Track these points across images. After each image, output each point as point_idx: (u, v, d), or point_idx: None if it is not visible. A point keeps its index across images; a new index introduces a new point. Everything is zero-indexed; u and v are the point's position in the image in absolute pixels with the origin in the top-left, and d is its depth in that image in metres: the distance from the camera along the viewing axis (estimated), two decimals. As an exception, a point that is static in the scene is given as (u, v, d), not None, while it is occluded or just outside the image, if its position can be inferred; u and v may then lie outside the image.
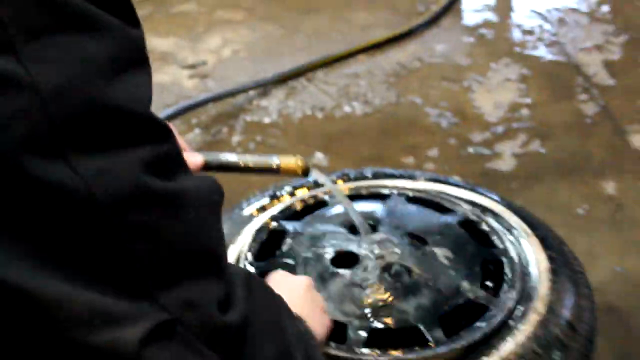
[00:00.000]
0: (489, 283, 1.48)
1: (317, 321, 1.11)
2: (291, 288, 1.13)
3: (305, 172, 1.45)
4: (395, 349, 1.31)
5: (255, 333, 0.77)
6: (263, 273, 1.46)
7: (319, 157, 2.38)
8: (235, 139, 2.48)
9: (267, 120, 2.60)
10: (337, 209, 1.64)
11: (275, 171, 1.43)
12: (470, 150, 2.40)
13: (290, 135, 2.51)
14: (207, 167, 1.35)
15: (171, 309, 0.69)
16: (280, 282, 1.16)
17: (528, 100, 2.67)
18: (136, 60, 0.71)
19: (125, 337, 0.65)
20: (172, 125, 1.31)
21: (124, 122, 0.67)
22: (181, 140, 1.35)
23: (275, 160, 1.42)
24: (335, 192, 1.57)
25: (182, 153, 0.78)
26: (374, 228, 1.56)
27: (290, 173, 1.44)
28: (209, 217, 0.76)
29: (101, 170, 0.64)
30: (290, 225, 1.60)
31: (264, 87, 2.77)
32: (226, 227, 1.62)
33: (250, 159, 1.43)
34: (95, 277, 0.66)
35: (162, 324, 0.68)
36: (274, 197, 1.73)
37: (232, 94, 2.69)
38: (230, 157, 1.41)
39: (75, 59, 0.64)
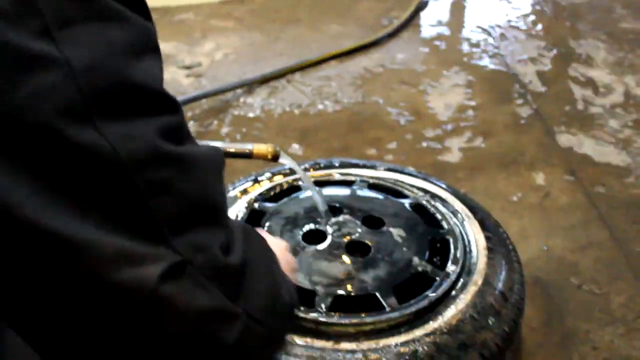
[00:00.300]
0: (436, 259, 1.48)
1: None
2: (270, 245, 1.14)
3: (275, 157, 1.44)
4: (356, 313, 1.31)
5: (251, 272, 0.80)
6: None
7: (295, 147, 2.37)
8: (224, 130, 2.46)
9: (251, 114, 2.57)
10: (309, 194, 1.63)
11: (249, 155, 1.43)
12: (424, 144, 2.39)
13: (271, 128, 2.49)
14: None
15: (183, 251, 0.71)
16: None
17: (473, 103, 2.67)
18: (150, 47, 0.73)
19: (146, 274, 0.68)
20: None
21: (142, 95, 0.70)
22: None
23: (249, 146, 1.42)
24: (302, 177, 1.57)
25: (187, 125, 0.80)
26: (340, 210, 1.56)
27: (261, 157, 1.43)
28: (214, 177, 0.78)
29: (124, 135, 0.67)
30: (268, 206, 1.59)
31: (250, 85, 2.75)
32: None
33: (229, 145, 1.43)
34: (121, 225, 0.67)
35: (175, 265, 0.70)
36: (256, 181, 1.72)
37: (222, 91, 2.66)
38: (212, 143, 1.40)
39: (102, 42, 0.66)
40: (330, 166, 1.79)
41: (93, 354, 0.73)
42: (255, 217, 1.56)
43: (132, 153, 0.67)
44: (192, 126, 2.49)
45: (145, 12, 0.74)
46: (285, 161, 1.47)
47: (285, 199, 1.62)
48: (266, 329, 0.82)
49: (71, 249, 0.66)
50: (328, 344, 1.26)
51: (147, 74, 0.71)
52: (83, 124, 0.64)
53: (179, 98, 2.46)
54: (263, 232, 1.19)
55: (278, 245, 1.14)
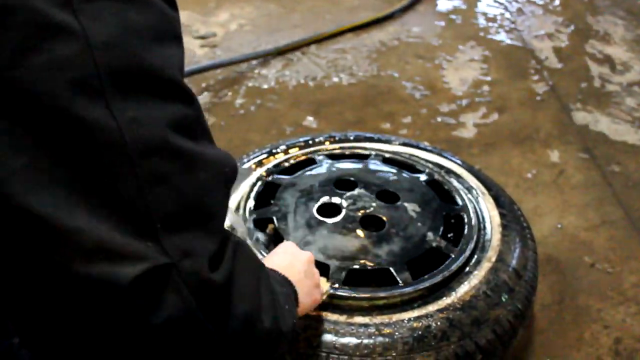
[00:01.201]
0: (450, 234, 1.48)
1: (306, 292, 1.08)
2: (295, 257, 1.12)
3: None
4: (370, 287, 1.31)
5: (233, 292, 0.75)
6: (260, 220, 1.46)
7: (310, 119, 2.35)
8: (238, 101, 2.44)
9: (265, 86, 2.55)
10: (324, 167, 1.62)
11: None
12: (439, 119, 2.37)
13: (285, 100, 2.47)
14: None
15: (171, 253, 0.67)
16: (288, 250, 1.15)
17: (489, 78, 2.64)
18: (172, 34, 0.71)
19: (120, 273, 0.64)
20: None
21: (157, 80, 0.67)
22: None
23: None
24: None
25: (206, 123, 0.76)
26: (354, 184, 1.55)
27: None
28: (218, 184, 0.74)
29: (134, 119, 0.64)
30: (283, 179, 1.58)
31: (265, 57, 2.72)
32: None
33: None
34: (112, 213, 0.64)
35: (159, 267, 0.66)
36: (271, 154, 1.71)
37: (237, 61, 2.63)
38: None
39: (122, 21, 0.65)
40: (345, 139, 1.78)
41: (69, 342, 0.70)
42: (269, 189, 1.55)
43: (138, 138, 0.64)
44: (206, 97, 2.48)
45: (171, 1, 0.73)
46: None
47: (300, 172, 1.61)
48: (237, 352, 0.77)
49: (50, 233, 0.62)
50: (341, 318, 1.26)
51: (166, 61, 0.68)
52: (94, 100, 0.62)
53: (193, 67, 2.45)
54: (289, 245, 1.17)
55: (302, 258, 1.12)
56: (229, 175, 0.78)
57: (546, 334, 1.55)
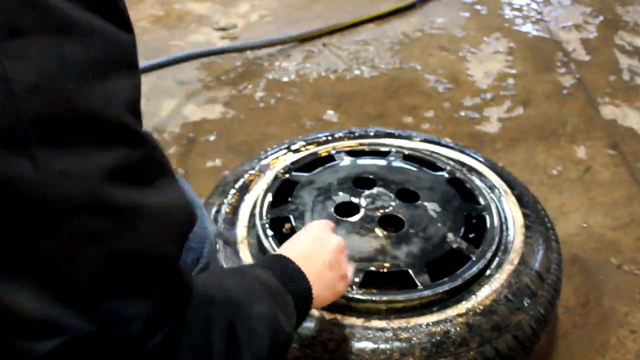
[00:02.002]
0: (471, 235, 1.44)
1: (326, 285, 1.01)
2: (321, 245, 1.05)
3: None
4: (387, 290, 1.28)
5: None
6: (276, 219, 1.43)
7: (330, 113, 2.32)
8: (259, 94, 2.42)
9: (286, 79, 2.52)
10: (342, 164, 1.59)
11: None
12: (462, 113, 2.32)
13: (305, 93, 2.44)
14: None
15: (98, 320, 0.61)
16: (315, 234, 1.08)
17: (514, 71, 2.59)
18: (121, 64, 0.62)
19: (34, 346, 0.59)
20: None
21: (95, 124, 0.59)
22: None
23: None
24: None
25: (164, 163, 0.68)
26: (374, 182, 1.52)
27: None
28: (166, 238, 0.66)
29: (63, 172, 0.57)
30: (301, 177, 1.56)
31: (284, 47, 2.68)
32: (248, 173, 1.58)
33: None
34: (31, 278, 0.58)
35: (79, 338, 0.60)
36: (289, 150, 1.68)
37: (257, 47, 2.61)
38: None
39: (53, 59, 0.57)
40: (364, 135, 1.75)
41: None
42: (287, 187, 1.53)
43: (65, 194, 0.57)
44: (226, 90, 2.45)
45: (122, 21, 0.63)
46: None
47: (318, 169, 1.58)
48: None
49: None
50: (358, 321, 1.23)
51: (106, 100, 0.59)
52: (15, 152, 0.55)
53: (212, 48, 2.41)
54: (317, 227, 1.10)
55: (328, 248, 1.04)
56: (181, 226, 0.69)
57: (569, 338, 1.51)
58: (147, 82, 2.51)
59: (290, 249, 1.03)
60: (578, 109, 2.35)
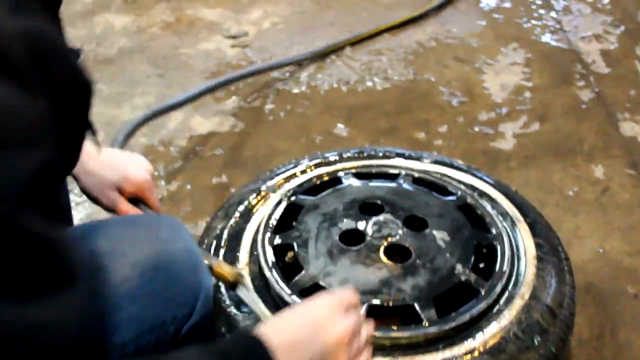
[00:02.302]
0: (481, 265, 1.39)
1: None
2: (322, 331, 0.88)
3: (233, 285, 1.27)
4: (391, 325, 1.24)
5: None
6: (280, 246, 1.40)
7: (340, 127, 2.28)
8: (268, 107, 2.39)
9: (296, 90, 2.49)
10: (349, 187, 1.56)
11: (209, 267, 1.21)
12: (476, 128, 2.28)
13: (316, 105, 2.40)
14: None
15: None
16: (319, 312, 0.90)
17: (530, 84, 2.54)
18: (13, 140, 0.52)
19: None
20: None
21: None
22: (153, 197, 1.33)
23: (214, 261, 1.25)
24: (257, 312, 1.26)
25: (60, 258, 0.58)
26: (381, 208, 1.48)
27: (219, 277, 1.26)
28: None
29: None
30: (306, 200, 1.52)
31: (300, 63, 2.63)
32: (252, 195, 1.55)
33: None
34: None
35: None
36: (296, 170, 1.64)
37: (270, 68, 2.54)
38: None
39: None
40: (374, 156, 1.71)
41: None
42: (292, 211, 1.49)
43: None
44: (235, 101, 2.43)
45: (27, 81, 0.52)
46: (242, 294, 1.26)
47: (325, 192, 1.55)
48: None
49: None
50: None
51: None
52: None
53: (228, 76, 2.33)
54: (327, 305, 0.92)
55: (328, 339, 0.87)
56: (56, 349, 0.58)
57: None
58: (154, 92, 2.49)
59: (278, 330, 0.84)
60: (596, 125, 2.30)
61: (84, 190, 1.27)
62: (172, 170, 2.08)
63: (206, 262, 1.19)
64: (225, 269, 1.26)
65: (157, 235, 1.04)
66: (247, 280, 1.31)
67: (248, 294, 1.27)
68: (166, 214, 1.24)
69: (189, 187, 2.01)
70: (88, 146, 1.22)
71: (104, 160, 1.26)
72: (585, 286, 1.66)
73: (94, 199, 1.28)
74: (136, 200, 1.30)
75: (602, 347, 1.52)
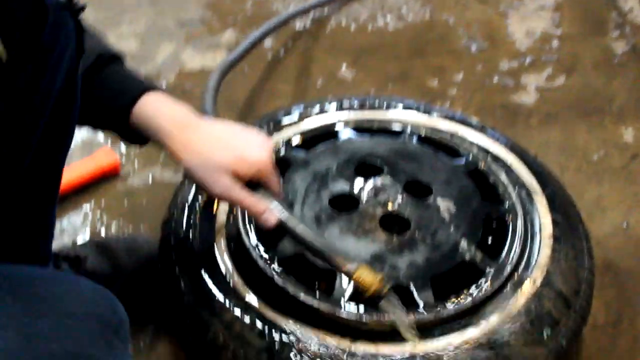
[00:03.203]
0: (489, 241, 1.26)
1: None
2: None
3: (373, 294, 1.06)
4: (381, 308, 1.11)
5: None
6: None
7: (344, 70, 2.11)
8: (267, 43, 2.21)
9: (299, 26, 2.31)
10: (347, 143, 1.41)
11: (345, 273, 1.08)
12: (495, 79, 2.11)
13: (320, 44, 2.23)
14: (279, 228, 1.09)
15: None
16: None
17: (559, 32, 2.34)
18: None
19: None
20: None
21: None
22: (275, 180, 1.12)
23: (352, 268, 1.06)
24: (404, 332, 1.08)
25: None
26: (380, 169, 1.33)
27: (359, 284, 1.07)
28: None
29: None
30: (296, 156, 1.38)
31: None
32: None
33: (325, 250, 1.07)
34: None
35: None
36: (289, 119, 1.49)
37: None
38: (307, 235, 1.07)
39: None
40: (377, 106, 1.55)
41: None
42: (278, 167, 1.35)
43: None
44: (231, 35, 2.26)
45: None
46: (389, 308, 1.08)
47: (318, 147, 1.40)
48: None
49: None
50: (342, 344, 1.07)
51: None
52: None
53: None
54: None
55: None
56: None
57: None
58: (144, 20, 2.32)
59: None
60: (629, 82, 2.12)
61: (189, 174, 1.08)
62: None
63: (349, 269, 1.06)
64: (368, 278, 1.06)
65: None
66: (390, 290, 1.08)
67: (392, 307, 1.07)
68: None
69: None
70: (189, 117, 1.08)
71: (212, 136, 1.07)
72: (604, 265, 1.52)
73: (202, 185, 1.07)
74: (253, 185, 1.08)
75: (618, 336, 1.39)
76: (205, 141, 1.06)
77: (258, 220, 1.08)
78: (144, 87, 1.07)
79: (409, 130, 1.45)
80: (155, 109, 1.06)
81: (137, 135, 1.09)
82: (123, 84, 1.07)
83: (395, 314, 1.07)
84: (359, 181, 1.30)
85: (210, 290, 1.15)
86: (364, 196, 1.27)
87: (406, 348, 1.07)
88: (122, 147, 1.80)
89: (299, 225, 1.08)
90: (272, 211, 1.07)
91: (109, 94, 1.06)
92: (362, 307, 1.10)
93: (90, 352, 0.76)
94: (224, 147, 1.06)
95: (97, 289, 0.85)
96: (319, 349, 1.06)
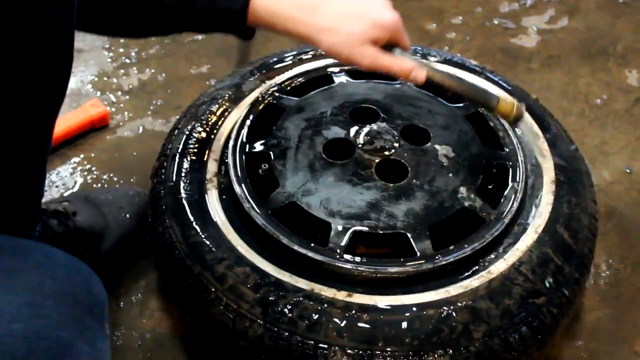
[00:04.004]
0: (489, 187, 1.22)
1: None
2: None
3: (516, 120, 1.13)
4: (377, 258, 1.08)
5: None
6: (253, 154, 1.22)
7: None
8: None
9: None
10: (341, 88, 1.36)
11: (489, 108, 1.14)
12: (495, 21, 2.04)
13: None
14: (428, 83, 1.09)
15: None
16: None
17: (562, -29, 2.27)
18: None
19: None
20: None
21: None
22: (406, 38, 1.11)
23: (494, 100, 1.12)
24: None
25: None
26: (375, 114, 1.29)
27: (501, 115, 1.14)
28: None
29: None
30: (289, 101, 1.33)
31: None
32: (227, 93, 1.36)
33: (472, 90, 1.14)
34: None
35: None
36: (281, 64, 1.44)
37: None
38: (453, 85, 1.12)
39: None
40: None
41: None
42: (271, 113, 1.30)
43: None
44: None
45: None
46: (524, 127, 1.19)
47: (311, 93, 1.35)
48: None
49: None
50: (339, 295, 1.04)
51: None
52: None
53: None
54: None
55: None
56: None
57: (596, 314, 1.31)
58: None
59: None
60: (634, 23, 2.06)
61: (332, 54, 1.07)
62: (146, 57, 1.86)
63: (491, 101, 1.12)
64: (508, 106, 1.12)
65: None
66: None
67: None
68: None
69: (163, 76, 1.81)
70: None
71: (340, 9, 1.05)
72: (607, 211, 1.49)
73: (349, 61, 1.07)
74: (387, 46, 1.09)
75: (621, 284, 1.37)
76: (337, 17, 1.04)
77: (408, 79, 1.08)
78: None
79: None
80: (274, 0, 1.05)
81: (251, 30, 1.09)
82: None
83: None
84: (354, 127, 1.25)
85: (201, 242, 1.11)
86: (360, 142, 1.22)
87: (403, 299, 1.04)
88: (112, 97, 1.74)
89: (445, 77, 1.12)
90: (419, 68, 1.08)
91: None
92: (358, 258, 1.06)
93: (59, 334, 0.71)
94: (358, 18, 1.05)
95: (72, 264, 0.79)
96: (314, 301, 1.03)
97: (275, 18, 1.05)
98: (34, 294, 0.71)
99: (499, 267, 1.08)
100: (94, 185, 1.53)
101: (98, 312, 0.78)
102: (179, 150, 1.26)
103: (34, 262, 0.75)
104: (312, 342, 1.00)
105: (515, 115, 1.12)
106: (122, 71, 1.82)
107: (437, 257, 1.07)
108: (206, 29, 1.11)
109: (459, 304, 1.03)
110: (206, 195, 1.18)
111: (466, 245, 1.09)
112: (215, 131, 1.29)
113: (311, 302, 1.02)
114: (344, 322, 1.01)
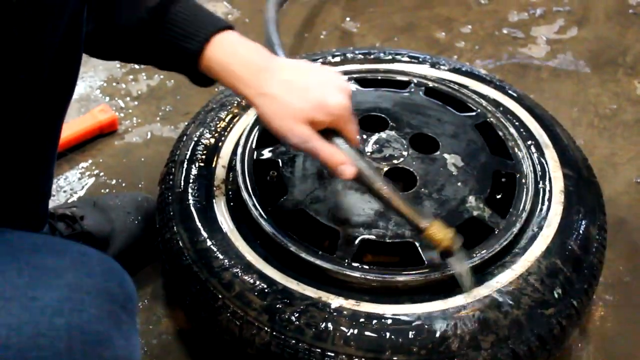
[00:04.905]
0: (498, 198, 1.22)
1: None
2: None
3: (444, 252, 1.05)
4: (384, 266, 1.08)
5: None
6: (261, 162, 1.22)
7: (350, 22, 2.05)
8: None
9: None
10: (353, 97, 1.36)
11: (417, 229, 1.04)
12: (505, 31, 2.04)
13: (324, -5, 2.16)
14: (356, 180, 1.02)
15: None
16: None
17: (571, -19, 2.27)
18: None
19: None
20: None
21: None
22: (353, 128, 1.04)
23: (423, 223, 1.02)
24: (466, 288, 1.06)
25: None
26: (384, 122, 1.29)
27: (429, 240, 1.03)
28: None
29: None
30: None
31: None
32: (237, 100, 1.36)
33: (401, 205, 1.03)
34: None
35: None
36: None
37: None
38: (382, 189, 1.02)
39: None
40: (382, 59, 1.50)
41: None
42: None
43: None
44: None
45: None
46: (456, 266, 1.05)
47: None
48: None
49: None
50: (346, 303, 1.03)
51: None
52: None
53: None
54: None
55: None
56: None
57: (604, 323, 1.31)
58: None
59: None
60: (644, 33, 2.06)
61: (263, 123, 1.02)
62: (155, 63, 1.87)
63: (419, 223, 1.02)
64: (438, 235, 1.02)
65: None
66: (460, 247, 1.05)
67: (459, 264, 1.04)
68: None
69: (172, 82, 1.81)
70: (263, 59, 1.01)
71: (288, 80, 0.99)
72: (615, 222, 1.48)
73: (277, 135, 1.00)
74: (328, 132, 1.00)
75: (630, 295, 1.36)
76: (282, 86, 0.98)
77: (334, 172, 1.00)
78: (214, 27, 0.99)
79: (415, 81, 1.40)
80: (227, 53, 0.99)
81: (205, 77, 1.03)
82: (192, 25, 0.99)
83: (460, 272, 1.04)
84: (363, 135, 1.25)
85: (209, 248, 1.11)
86: (368, 150, 1.22)
87: (411, 308, 1.03)
88: (120, 103, 1.75)
89: (377, 179, 1.02)
90: (350, 163, 1.00)
91: (177, 36, 0.99)
92: (365, 267, 1.06)
93: (97, 328, 0.73)
94: (301, 92, 0.98)
95: (105, 260, 0.80)
96: (321, 309, 1.03)
97: (224, 71, 0.99)
98: (72, 290, 0.73)
99: (508, 276, 1.07)
100: (102, 191, 1.53)
101: (130, 307, 0.80)
102: (187, 157, 1.27)
103: (71, 260, 0.77)
104: (319, 350, 1.00)
105: (444, 246, 1.02)
106: (131, 77, 1.82)
107: (445, 267, 1.07)
108: (163, 64, 1.06)
109: (467, 314, 1.02)
110: (214, 201, 1.18)
111: (474, 255, 1.09)
112: (223, 138, 1.30)
113: (318, 310, 1.02)
114: (351, 330, 1.00)
